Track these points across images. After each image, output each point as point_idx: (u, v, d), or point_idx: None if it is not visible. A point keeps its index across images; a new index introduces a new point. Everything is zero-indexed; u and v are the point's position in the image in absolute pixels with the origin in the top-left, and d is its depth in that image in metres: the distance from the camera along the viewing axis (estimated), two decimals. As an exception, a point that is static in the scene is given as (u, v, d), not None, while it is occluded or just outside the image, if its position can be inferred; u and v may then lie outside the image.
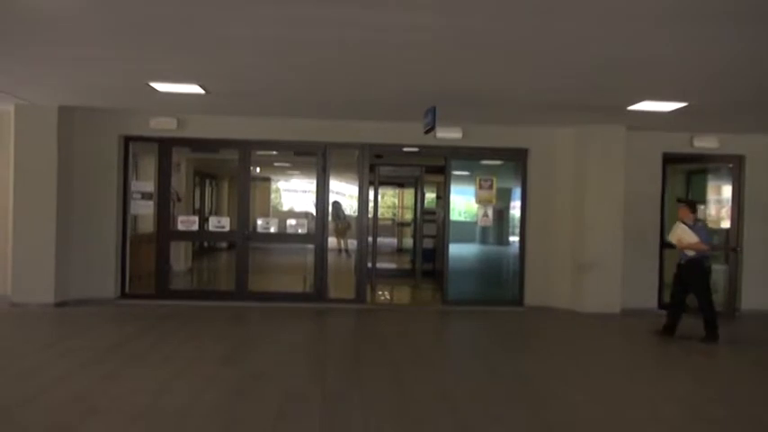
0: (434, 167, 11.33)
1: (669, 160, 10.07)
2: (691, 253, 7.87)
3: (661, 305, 9.95)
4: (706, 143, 9.78)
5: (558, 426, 4.88)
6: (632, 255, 9.64)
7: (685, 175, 10.74)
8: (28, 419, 4.65)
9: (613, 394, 5.76)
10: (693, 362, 7.15)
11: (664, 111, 8.03)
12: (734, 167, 9.97)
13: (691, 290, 8.00)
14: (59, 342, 7.17)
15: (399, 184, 15.74)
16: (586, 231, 9.55)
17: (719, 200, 10.21)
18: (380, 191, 12.62)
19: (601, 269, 9.44)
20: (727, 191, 10.08)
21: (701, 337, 7.86)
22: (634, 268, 9.67)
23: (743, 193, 9.92)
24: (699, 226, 7.98)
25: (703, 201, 10.26)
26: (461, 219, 11.48)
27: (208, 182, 15.53)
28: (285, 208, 17.23)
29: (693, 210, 8.03)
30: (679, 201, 8.37)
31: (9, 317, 8.41)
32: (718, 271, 10.17)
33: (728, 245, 9.93)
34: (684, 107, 7.76)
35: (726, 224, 10.03)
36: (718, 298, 10.00)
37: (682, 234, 7.86)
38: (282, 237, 10.27)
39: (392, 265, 14.43)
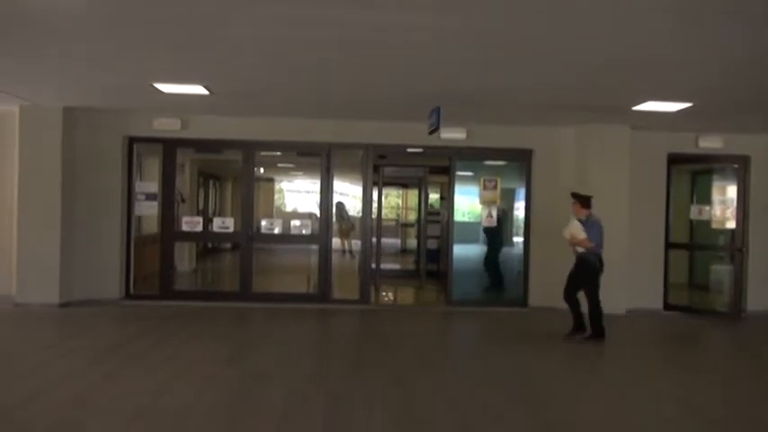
0: (438, 168, 11.32)
1: (674, 160, 10.03)
2: (581, 249, 7.74)
3: (666, 306, 9.93)
4: (711, 143, 9.74)
5: (559, 426, 4.86)
6: (637, 255, 9.60)
7: (690, 175, 10.70)
8: (30, 419, 4.65)
9: (615, 394, 5.73)
10: (697, 361, 7.13)
11: (668, 111, 8.00)
12: (739, 168, 9.93)
13: (581, 287, 7.83)
14: (63, 342, 7.18)
15: (403, 184, 15.73)
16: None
17: (724, 200, 10.17)
18: (384, 191, 12.65)
19: (605, 270, 9.38)
20: (732, 191, 10.04)
21: (586, 335, 7.75)
22: (639, 269, 9.63)
23: (748, 194, 9.88)
24: (590, 222, 7.74)
25: (709, 201, 10.22)
26: (465, 219, 11.47)
27: (212, 182, 15.56)
28: (289, 209, 17.24)
29: (586, 205, 7.80)
30: (573, 195, 8.04)
31: (13, 317, 8.42)
32: (723, 271, 10.16)
33: (734, 245, 9.90)
34: (689, 107, 7.74)
35: (731, 225, 9.99)
36: (724, 298, 10.02)
37: (572, 230, 7.70)
38: (286, 237, 10.27)
39: (396, 266, 14.42)
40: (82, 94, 8.27)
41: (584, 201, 7.86)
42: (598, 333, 7.69)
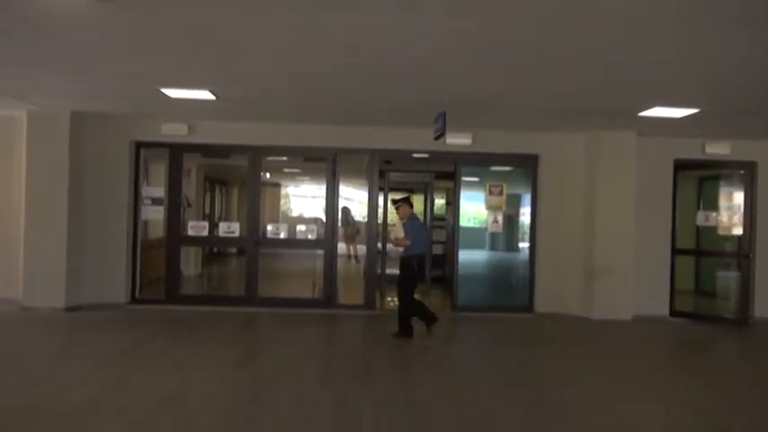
0: (444, 173, 11.31)
1: (681, 166, 10.01)
2: (400, 250, 7.95)
3: (673, 312, 9.90)
4: (718, 149, 9.72)
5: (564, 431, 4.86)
6: (643, 262, 9.57)
7: (697, 181, 10.67)
8: (38, 423, 4.66)
9: (622, 401, 5.71)
10: (706, 368, 7.09)
11: (675, 117, 7.99)
12: (746, 174, 9.90)
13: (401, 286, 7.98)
14: (70, 346, 7.21)
15: (409, 189, 15.69)
16: (597, 238, 9.50)
17: (731, 206, 10.13)
18: (390, 197, 12.61)
19: (612, 276, 9.39)
20: (739, 197, 10.00)
21: (393, 332, 7.90)
22: (645, 275, 9.60)
23: (755, 200, 9.84)
24: (409, 222, 7.97)
25: (715, 207, 10.19)
26: (471, 225, 11.45)
27: (218, 187, 15.61)
28: (295, 213, 17.27)
29: (411, 206, 8.12)
30: (393, 201, 8.33)
31: (20, 321, 8.44)
32: (731, 278, 10.12)
33: (741, 252, 9.85)
34: (696, 113, 7.72)
35: (738, 231, 9.95)
36: (731, 305, 9.97)
37: (396, 233, 7.93)
38: (292, 242, 10.27)
39: (402, 271, 14.37)
40: (89, 99, 8.32)
41: (409, 202, 8.17)
42: (405, 331, 7.88)
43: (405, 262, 7.94)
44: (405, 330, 7.91)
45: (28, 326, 8.22)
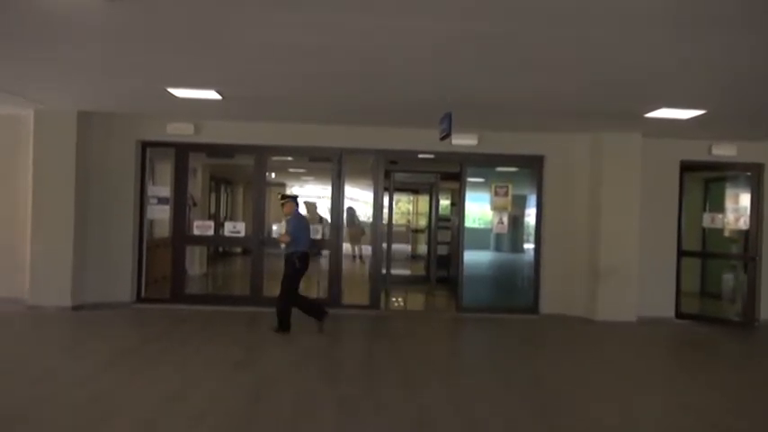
0: (449, 174, 11.31)
1: (687, 168, 9.98)
2: (282, 246, 8.06)
3: (678, 314, 9.87)
4: (724, 151, 9.68)
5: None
6: (649, 263, 9.55)
7: (703, 183, 10.64)
8: (44, 422, 4.68)
9: (625, 401, 5.70)
10: (711, 370, 7.07)
11: (681, 118, 7.96)
12: (752, 175, 9.86)
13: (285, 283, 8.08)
14: (76, 345, 7.23)
15: (414, 190, 15.74)
16: (602, 239, 9.48)
17: (737, 208, 10.10)
18: (395, 197, 12.65)
19: (617, 277, 9.36)
20: (745, 199, 9.97)
21: (273, 327, 7.97)
22: (650, 276, 9.58)
23: (762, 202, 9.81)
24: (292, 219, 8.06)
25: (722, 209, 10.16)
26: (476, 226, 11.45)
27: (223, 187, 15.64)
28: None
29: (296, 203, 8.23)
30: (282, 197, 8.38)
31: (26, 319, 8.48)
32: (737, 280, 10.08)
33: (747, 254, 9.81)
34: (702, 115, 7.70)
35: (744, 233, 9.90)
36: (737, 307, 9.94)
37: (280, 229, 8.04)
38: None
39: (406, 272, 14.41)
40: (96, 99, 8.35)
41: (295, 199, 8.30)
42: (284, 326, 7.94)
43: (288, 260, 8.00)
44: (283, 325, 7.97)
45: (34, 324, 8.25)
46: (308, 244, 8.07)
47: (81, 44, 5.60)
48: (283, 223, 8.11)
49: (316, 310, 8.16)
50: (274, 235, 8.01)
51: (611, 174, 9.49)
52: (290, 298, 8.01)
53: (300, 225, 8.06)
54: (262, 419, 4.89)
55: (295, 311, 8.00)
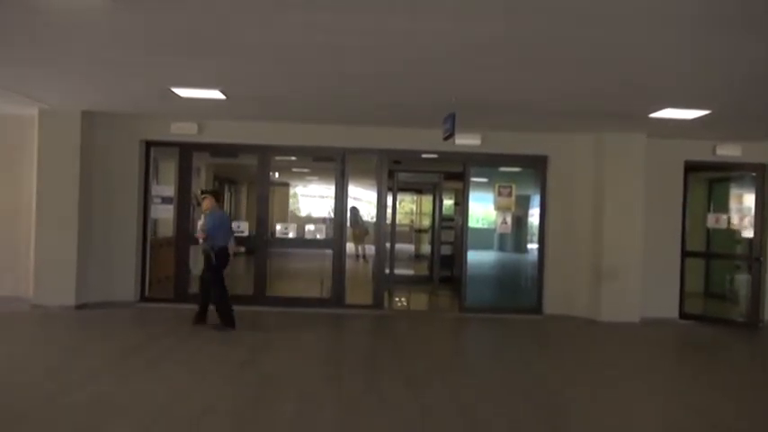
0: (453, 174, 11.30)
1: (691, 168, 9.96)
2: (201, 242, 8.05)
3: (682, 315, 9.85)
4: (728, 151, 9.66)
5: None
6: (653, 264, 9.53)
7: (707, 183, 10.62)
8: (48, 421, 4.69)
9: (628, 402, 5.69)
10: (716, 371, 7.05)
11: (686, 118, 7.95)
12: (757, 176, 9.83)
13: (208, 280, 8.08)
14: (79, 344, 7.24)
15: (418, 190, 15.74)
16: (606, 239, 9.46)
17: (742, 209, 10.07)
18: (399, 197, 12.64)
19: (620, 278, 9.35)
20: (749, 200, 9.94)
21: (216, 325, 7.99)
22: (654, 277, 9.56)
23: (766, 202, 9.78)
24: (210, 215, 8.00)
25: (726, 209, 10.13)
26: (479, 226, 11.44)
27: (227, 186, 15.64)
28: (303, 213, 17.31)
29: (218, 198, 8.26)
30: (202, 192, 8.46)
31: (30, 318, 8.50)
32: (741, 281, 10.06)
33: (751, 255, 9.78)
34: (707, 115, 7.68)
35: (748, 233, 9.88)
36: (741, 308, 9.91)
37: (200, 225, 8.04)
38: (301, 242, 10.29)
39: (410, 272, 14.41)
40: (100, 99, 8.37)
41: (215, 195, 8.31)
42: (227, 322, 7.99)
43: (206, 255, 8.04)
44: (226, 320, 8.01)
45: (38, 323, 8.27)
46: (226, 239, 8.10)
47: (85, 44, 5.61)
48: (203, 219, 8.10)
49: (227, 313, 8.08)
50: (198, 232, 8.15)
51: (614, 174, 9.48)
52: (220, 292, 8.03)
53: (218, 221, 8.05)
54: (265, 418, 4.89)
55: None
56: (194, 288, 10.28)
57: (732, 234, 10.07)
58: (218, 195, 8.36)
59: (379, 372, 6.40)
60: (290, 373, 6.18)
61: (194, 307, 9.42)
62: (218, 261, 7.97)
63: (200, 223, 8.02)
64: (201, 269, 8.21)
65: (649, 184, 9.50)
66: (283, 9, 4.52)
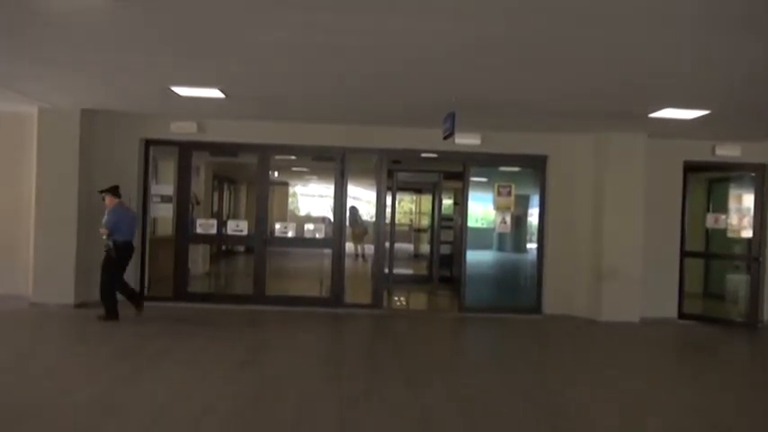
0: (452, 173, 11.30)
1: (690, 168, 9.96)
2: (104, 237, 8.27)
3: (681, 315, 9.86)
4: (728, 151, 9.66)
5: (576, 435, 4.85)
6: (652, 263, 9.53)
7: (706, 183, 10.62)
8: (45, 420, 4.68)
9: (627, 402, 5.69)
10: (709, 370, 7.06)
11: (685, 118, 7.95)
12: (756, 176, 9.83)
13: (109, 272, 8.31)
14: (78, 343, 7.24)
15: (417, 189, 15.74)
16: (605, 239, 9.47)
17: (741, 209, 10.08)
18: (398, 196, 12.64)
19: (620, 278, 9.35)
20: (749, 200, 9.95)
21: (101, 315, 8.21)
22: (654, 277, 9.56)
23: (765, 202, 9.78)
24: (111, 210, 8.31)
25: (725, 210, 10.14)
26: (479, 225, 11.44)
27: (226, 186, 15.65)
28: (303, 212, 17.31)
29: (116, 194, 8.45)
30: (101, 192, 8.54)
31: (28, 317, 8.50)
32: (740, 281, 10.06)
33: (750, 255, 9.79)
34: (706, 115, 7.68)
35: (747, 234, 9.89)
36: (740, 308, 9.92)
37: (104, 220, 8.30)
38: (300, 241, 10.29)
39: (409, 271, 14.41)
40: (100, 97, 8.36)
41: (113, 192, 8.47)
42: (111, 314, 8.20)
43: (108, 249, 8.24)
44: (110, 313, 8.20)
45: (37, 322, 8.27)
46: (128, 234, 8.34)
47: (85, 43, 5.61)
48: (106, 215, 8.33)
49: (135, 298, 8.50)
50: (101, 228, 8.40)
51: (614, 174, 9.48)
52: (111, 285, 8.26)
53: (118, 216, 8.30)
54: (265, 418, 4.89)
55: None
56: (193, 287, 10.34)
57: (724, 233, 10.07)
58: (117, 192, 8.53)
59: (378, 371, 6.40)
60: (289, 373, 6.18)
61: (194, 306, 9.45)
62: (118, 254, 8.21)
63: (104, 220, 8.26)
64: (102, 262, 8.36)
65: (649, 185, 9.50)
66: (283, 8, 4.51)
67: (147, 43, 5.61)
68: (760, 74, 5.84)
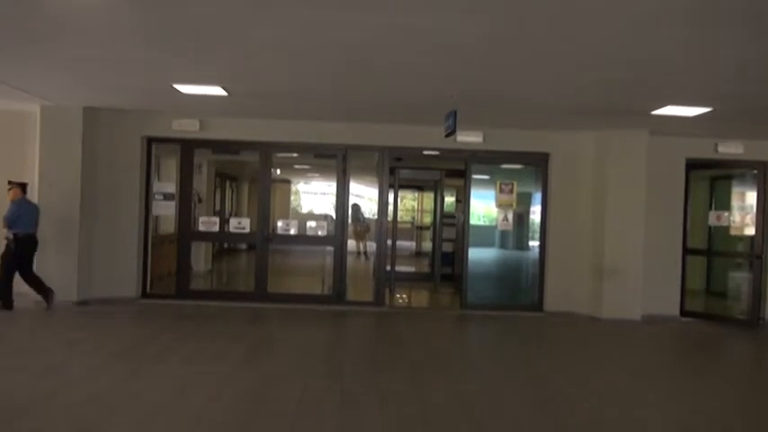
0: (455, 171, 11.30)
1: (693, 166, 9.95)
2: (6, 230, 8.51)
3: (683, 312, 9.85)
4: (730, 149, 9.65)
5: (574, 430, 4.85)
6: (654, 261, 9.52)
7: (709, 181, 10.61)
8: (48, 417, 4.70)
9: (628, 399, 5.70)
10: (716, 368, 7.06)
11: (688, 116, 7.94)
12: (759, 174, 9.81)
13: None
14: (80, 340, 7.24)
15: (419, 187, 15.72)
16: (607, 237, 9.46)
17: (743, 206, 10.06)
18: (400, 194, 12.62)
19: (622, 275, 9.35)
20: (751, 197, 9.93)
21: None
22: (655, 275, 9.55)
23: (768, 200, 9.78)
24: (14, 203, 8.53)
25: (728, 207, 10.13)
26: (481, 223, 11.45)
27: (228, 183, 15.64)
28: (305, 210, 17.30)
29: (23, 190, 8.70)
30: (9, 183, 8.71)
31: (32, 314, 8.51)
32: (742, 278, 10.05)
33: (753, 252, 9.77)
34: (709, 112, 7.67)
35: (750, 231, 9.88)
36: (742, 306, 9.90)
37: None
38: (302, 239, 10.30)
39: (411, 269, 14.42)
40: (102, 95, 8.37)
41: (21, 186, 8.72)
42: (5, 305, 8.49)
43: (6, 240, 8.48)
44: (4, 303, 8.49)
45: (40, 319, 8.28)
46: (28, 228, 8.55)
47: (87, 40, 5.61)
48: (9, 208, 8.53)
49: (44, 290, 8.64)
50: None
51: (617, 171, 9.47)
52: (7, 277, 8.48)
53: (21, 209, 8.51)
54: (266, 415, 4.90)
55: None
56: (195, 285, 10.37)
57: (727, 231, 10.06)
58: (24, 186, 8.73)
59: (380, 369, 6.42)
60: (291, 371, 6.19)
61: (196, 303, 9.47)
62: (18, 247, 8.45)
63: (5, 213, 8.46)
64: (1, 254, 8.57)
65: (651, 182, 9.49)
66: (286, 6, 4.51)
67: (150, 41, 5.61)
68: (763, 71, 5.83)
